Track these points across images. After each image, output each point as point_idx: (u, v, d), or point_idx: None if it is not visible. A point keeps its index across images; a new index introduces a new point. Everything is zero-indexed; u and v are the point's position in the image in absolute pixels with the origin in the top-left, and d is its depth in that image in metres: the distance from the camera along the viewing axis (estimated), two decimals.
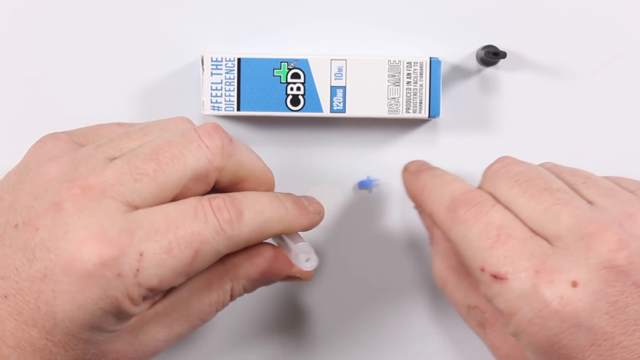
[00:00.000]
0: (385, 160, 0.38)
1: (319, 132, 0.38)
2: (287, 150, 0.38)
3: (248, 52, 0.35)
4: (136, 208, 0.26)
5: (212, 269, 0.29)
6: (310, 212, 0.31)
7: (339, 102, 0.35)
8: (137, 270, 0.25)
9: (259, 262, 0.30)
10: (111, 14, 0.37)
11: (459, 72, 0.38)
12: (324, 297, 0.39)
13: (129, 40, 0.37)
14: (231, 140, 0.28)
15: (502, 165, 0.29)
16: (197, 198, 0.27)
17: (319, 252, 0.38)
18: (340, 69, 0.34)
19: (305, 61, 0.34)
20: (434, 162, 0.38)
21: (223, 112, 0.34)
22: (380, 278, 0.39)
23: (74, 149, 0.28)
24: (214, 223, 0.27)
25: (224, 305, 0.30)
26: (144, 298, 0.26)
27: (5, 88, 0.38)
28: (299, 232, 0.31)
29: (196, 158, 0.27)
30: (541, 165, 0.30)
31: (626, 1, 0.38)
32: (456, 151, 0.38)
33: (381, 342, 0.39)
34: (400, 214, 0.38)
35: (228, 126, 0.38)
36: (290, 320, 0.39)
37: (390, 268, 0.39)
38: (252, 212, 0.28)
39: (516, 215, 0.27)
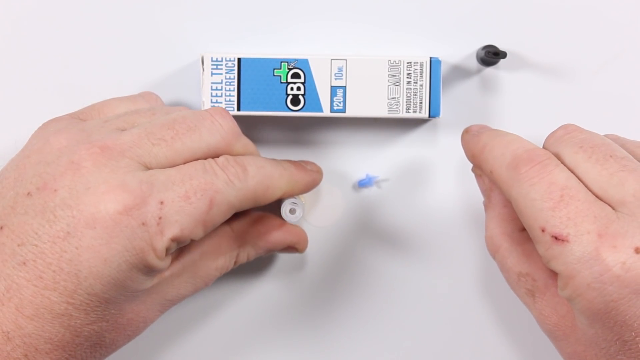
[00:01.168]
0: (385, 160, 0.38)
1: (319, 132, 0.38)
2: (287, 150, 0.38)
3: (248, 52, 0.35)
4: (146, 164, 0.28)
5: (222, 234, 0.32)
6: (308, 169, 0.33)
7: (339, 102, 0.35)
8: (160, 218, 0.26)
9: (263, 229, 0.33)
10: (111, 13, 0.37)
11: (459, 72, 0.38)
12: (324, 297, 0.39)
13: (129, 40, 0.37)
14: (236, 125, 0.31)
15: (566, 132, 0.29)
16: (202, 160, 0.29)
17: (318, 252, 0.38)
18: (340, 69, 0.34)
19: (306, 61, 0.34)
20: (434, 162, 0.38)
21: None
22: (380, 278, 0.39)
23: (79, 123, 0.30)
24: (223, 176, 0.28)
25: (227, 270, 0.32)
26: (167, 251, 0.27)
27: (4, 88, 0.38)
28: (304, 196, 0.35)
29: (211, 133, 0.29)
30: (605, 136, 0.30)
31: (626, 1, 0.38)
32: (456, 151, 0.38)
33: (381, 342, 0.39)
34: (401, 213, 0.38)
35: None
36: (290, 320, 0.39)
37: (391, 268, 0.39)
38: (255, 168, 0.30)
39: (580, 179, 0.26)
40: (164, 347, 0.38)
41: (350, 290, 0.39)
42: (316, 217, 0.38)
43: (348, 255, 0.39)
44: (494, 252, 0.32)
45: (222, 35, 0.37)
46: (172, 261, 0.29)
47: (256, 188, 0.30)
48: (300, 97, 0.34)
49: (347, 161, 0.38)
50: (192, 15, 0.37)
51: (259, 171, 0.30)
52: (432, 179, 0.38)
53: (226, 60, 0.34)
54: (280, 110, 0.34)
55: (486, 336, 0.39)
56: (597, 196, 0.26)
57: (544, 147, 0.29)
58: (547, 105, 0.38)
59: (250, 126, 0.38)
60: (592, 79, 0.38)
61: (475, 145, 0.31)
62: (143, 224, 0.26)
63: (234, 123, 0.31)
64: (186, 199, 0.27)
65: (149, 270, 0.27)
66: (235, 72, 0.34)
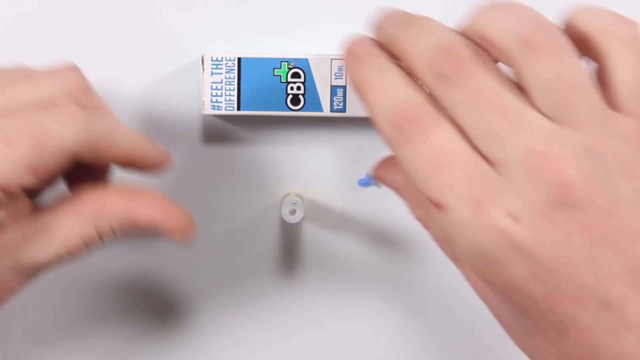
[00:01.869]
0: None
1: (319, 132, 0.38)
2: (287, 151, 0.38)
3: (248, 52, 0.35)
4: None
5: (78, 197, 0.29)
6: (155, 145, 0.30)
7: (339, 102, 0.34)
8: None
9: (128, 203, 0.29)
10: (111, 13, 0.37)
11: None
12: (324, 297, 0.39)
13: (128, 39, 0.37)
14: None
15: (448, 54, 0.25)
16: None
17: (318, 252, 0.38)
18: (340, 69, 0.34)
19: (306, 60, 0.34)
20: None
21: (223, 112, 0.34)
22: (380, 278, 0.39)
23: None
24: (58, 115, 0.26)
25: (92, 243, 0.29)
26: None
27: None
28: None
29: (53, 84, 0.28)
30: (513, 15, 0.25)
31: (626, 1, 0.38)
32: None
33: (381, 341, 0.39)
34: (401, 212, 0.38)
35: (228, 126, 0.38)
36: (290, 320, 0.39)
37: (391, 268, 0.38)
38: (100, 115, 0.28)
39: (461, 130, 0.24)
40: (162, 347, 0.38)
41: (350, 290, 0.39)
42: (316, 217, 0.38)
43: (348, 255, 0.39)
44: (425, 226, 0.30)
45: (222, 34, 0.37)
46: (20, 220, 0.27)
47: (98, 137, 0.27)
48: (300, 96, 0.34)
49: (347, 161, 0.38)
50: (192, 15, 0.37)
51: (104, 119, 0.28)
52: None
53: (226, 60, 0.34)
54: (280, 110, 0.34)
55: (486, 336, 0.39)
56: (478, 152, 0.23)
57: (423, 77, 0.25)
58: None
59: (249, 126, 0.38)
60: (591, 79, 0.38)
61: (355, 77, 0.27)
62: None
63: (84, 78, 0.28)
64: (7, 143, 0.25)
65: None
66: (235, 71, 0.34)
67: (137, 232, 0.31)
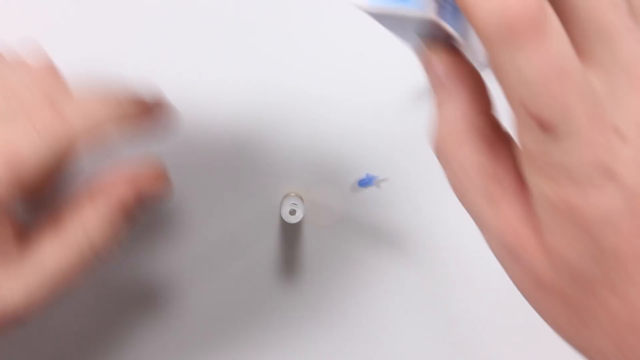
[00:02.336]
0: (385, 160, 0.38)
1: (319, 132, 0.38)
2: (287, 151, 0.38)
3: None
4: None
5: (61, 224, 0.27)
6: (148, 102, 0.28)
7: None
8: None
9: (107, 211, 0.27)
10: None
11: None
12: (324, 297, 0.39)
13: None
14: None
15: None
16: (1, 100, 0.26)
17: (318, 252, 0.38)
18: None
19: None
20: (434, 162, 0.38)
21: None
22: (380, 278, 0.39)
23: None
24: (28, 129, 0.24)
25: (83, 265, 0.27)
26: None
27: None
28: None
29: (12, 71, 0.27)
30: None
31: None
32: None
33: (381, 341, 0.39)
34: (401, 213, 0.38)
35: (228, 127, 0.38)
36: (290, 320, 0.39)
37: (391, 268, 0.38)
38: (75, 109, 0.25)
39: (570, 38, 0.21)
40: (162, 348, 0.38)
41: (349, 290, 0.39)
42: (316, 217, 0.38)
43: (348, 255, 0.39)
44: (449, 151, 0.26)
45: None
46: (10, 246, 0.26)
47: (76, 137, 0.25)
48: None
49: (347, 161, 0.38)
50: None
51: (81, 113, 0.25)
52: (432, 178, 0.38)
53: None
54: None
55: (486, 336, 0.39)
56: (583, 62, 0.22)
57: None
58: None
59: (250, 126, 0.38)
60: None
61: None
62: None
63: (59, 76, 0.27)
64: None
65: None
66: None
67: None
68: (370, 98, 0.38)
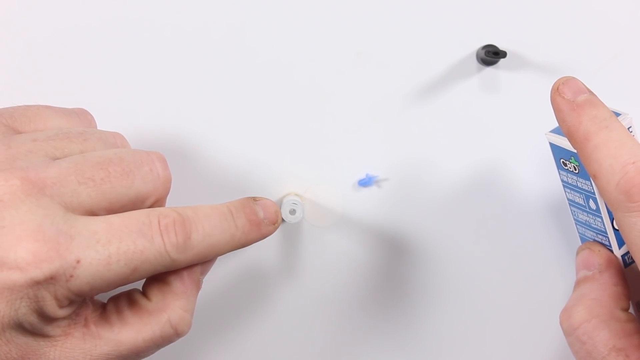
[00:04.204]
0: (385, 160, 0.38)
1: (319, 131, 0.38)
2: (287, 151, 0.38)
3: None
4: (73, 212, 0.25)
5: (147, 316, 0.28)
6: (263, 225, 0.30)
7: None
8: (71, 276, 0.24)
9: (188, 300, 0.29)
10: None
11: (459, 72, 0.38)
12: (324, 296, 0.39)
13: None
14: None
15: None
16: (145, 212, 0.26)
17: (318, 252, 0.38)
18: None
19: None
20: (434, 162, 0.38)
21: None
22: (380, 277, 0.38)
23: (5, 133, 0.27)
24: (160, 245, 0.26)
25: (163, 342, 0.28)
26: (70, 302, 0.25)
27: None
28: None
29: (145, 181, 0.27)
30: None
31: (626, 1, 0.38)
32: (456, 151, 0.38)
33: (381, 341, 0.39)
34: (401, 213, 0.38)
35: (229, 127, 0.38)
36: (290, 320, 0.39)
37: (391, 267, 0.38)
38: (201, 236, 0.27)
39: None
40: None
41: (349, 290, 0.39)
42: (316, 217, 0.38)
43: (348, 255, 0.38)
44: (587, 333, 0.29)
45: None
46: (89, 316, 0.27)
47: (193, 259, 0.27)
48: None
49: (347, 161, 0.38)
50: None
51: (204, 240, 0.27)
52: (432, 178, 0.38)
53: None
54: None
55: (486, 335, 0.39)
56: None
57: None
58: (547, 105, 0.38)
59: (250, 126, 0.38)
60: (592, 79, 0.38)
61: (574, 124, 0.27)
62: (52, 277, 0.24)
63: (170, 174, 0.28)
64: (107, 264, 0.24)
65: (46, 316, 0.25)
66: None
67: None
68: (371, 97, 0.38)
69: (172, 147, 0.37)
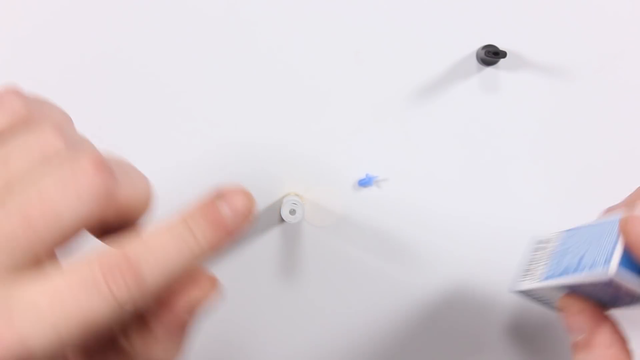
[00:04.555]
0: (385, 160, 0.38)
1: (319, 132, 0.38)
2: (287, 151, 0.38)
3: None
4: (7, 272, 0.22)
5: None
6: (231, 224, 0.25)
7: None
8: (22, 349, 0.21)
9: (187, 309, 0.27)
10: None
11: (459, 72, 0.38)
12: (324, 296, 0.39)
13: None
14: (113, 174, 0.23)
15: None
16: (87, 262, 0.23)
17: (318, 252, 0.38)
18: None
19: None
20: (433, 162, 0.38)
21: None
22: (380, 277, 0.39)
23: None
24: (109, 298, 0.22)
25: None
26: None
27: None
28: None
29: (73, 210, 0.23)
30: None
31: (626, 1, 0.38)
32: (456, 151, 0.38)
33: (381, 341, 0.39)
34: (401, 213, 0.38)
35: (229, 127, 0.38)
36: (290, 320, 0.39)
37: (390, 267, 0.38)
38: (154, 268, 0.23)
39: None
40: None
41: (349, 290, 0.39)
42: (316, 217, 0.38)
43: (348, 255, 0.38)
44: None
45: None
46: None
47: (156, 295, 0.24)
48: None
49: (347, 161, 0.38)
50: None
51: (160, 271, 0.23)
52: (432, 178, 0.38)
53: None
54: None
55: (485, 335, 0.39)
56: None
57: None
58: (547, 105, 0.38)
59: (250, 127, 0.38)
60: (592, 79, 0.38)
61: None
62: None
63: (105, 182, 0.23)
64: (56, 332, 0.21)
65: None
66: None
67: None
68: (372, 97, 0.38)
69: (171, 147, 0.37)
